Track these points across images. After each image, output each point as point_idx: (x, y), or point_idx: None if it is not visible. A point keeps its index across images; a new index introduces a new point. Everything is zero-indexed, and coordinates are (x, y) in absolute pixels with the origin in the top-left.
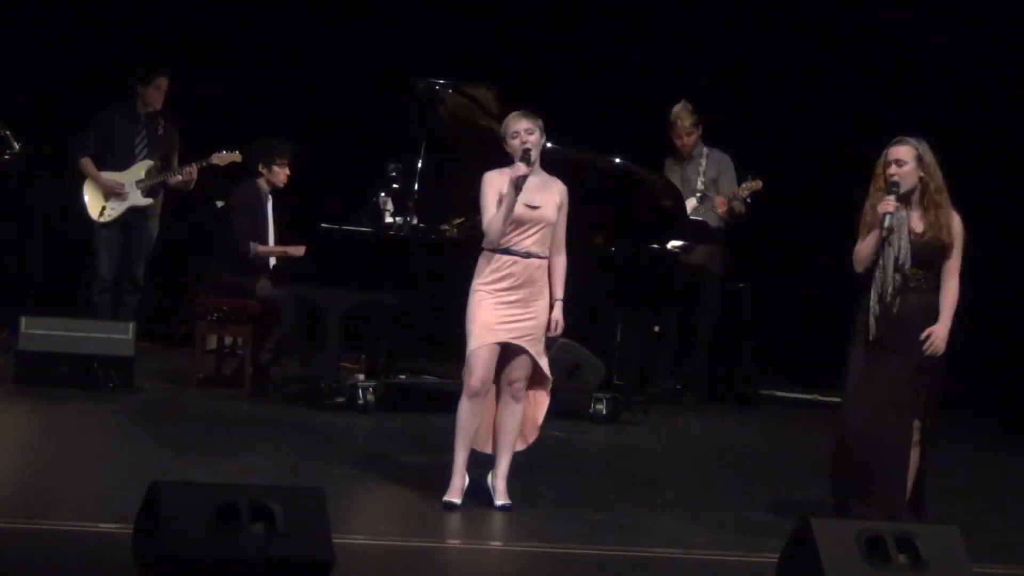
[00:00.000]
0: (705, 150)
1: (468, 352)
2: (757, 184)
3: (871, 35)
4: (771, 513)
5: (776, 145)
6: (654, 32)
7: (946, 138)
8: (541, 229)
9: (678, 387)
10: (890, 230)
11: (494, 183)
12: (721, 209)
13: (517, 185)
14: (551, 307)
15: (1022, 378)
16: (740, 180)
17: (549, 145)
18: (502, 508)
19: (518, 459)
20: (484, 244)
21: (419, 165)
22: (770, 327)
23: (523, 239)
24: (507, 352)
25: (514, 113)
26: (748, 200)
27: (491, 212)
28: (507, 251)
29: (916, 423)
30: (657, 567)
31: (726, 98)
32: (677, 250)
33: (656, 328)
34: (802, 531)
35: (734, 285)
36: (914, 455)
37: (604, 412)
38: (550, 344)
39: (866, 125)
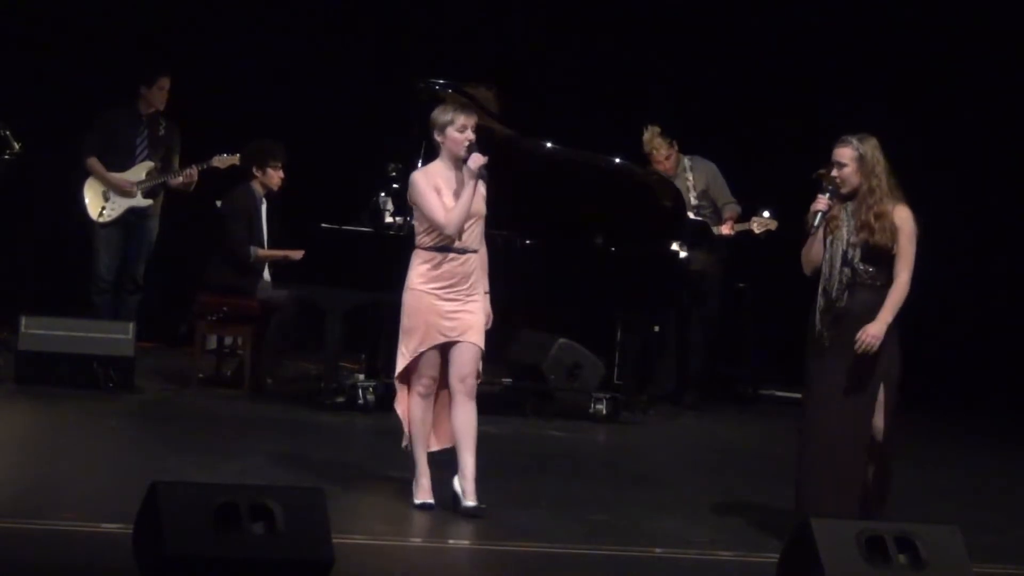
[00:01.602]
0: (687, 162)
1: (411, 353)
2: (772, 224)
3: (867, 37)
4: (771, 513)
5: (774, 143)
6: (654, 32)
7: (945, 139)
8: (476, 223)
9: (678, 387)
10: (818, 227)
11: (428, 181)
12: (727, 233)
13: (481, 175)
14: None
15: (1020, 377)
16: (732, 188)
17: (549, 145)
18: (475, 510)
19: (519, 459)
20: (432, 242)
21: (419, 165)
22: (770, 327)
23: (463, 235)
24: (452, 350)
25: (452, 104)
26: (762, 238)
27: (438, 209)
28: (450, 249)
29: (878, 422)
30: (657, 567)
31: (725, 95)
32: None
33: (656, 328)
34: (802, 531)
35: (734, 285)
36: (876, 456)
37: (604, 412)
38: (550, 345)
39: (864, 123)
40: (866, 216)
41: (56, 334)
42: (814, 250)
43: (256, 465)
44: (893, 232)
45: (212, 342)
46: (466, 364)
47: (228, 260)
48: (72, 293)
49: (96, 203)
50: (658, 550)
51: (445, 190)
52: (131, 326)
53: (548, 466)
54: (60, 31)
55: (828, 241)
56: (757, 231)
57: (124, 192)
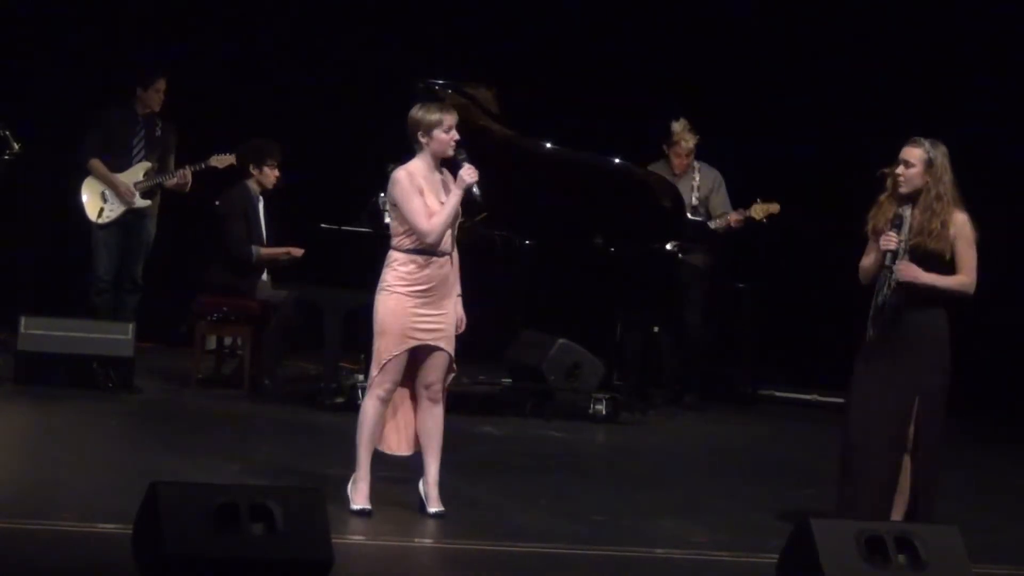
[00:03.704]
0: (696, 165)
1: (382, 355)
2: (774, 208)
3: (866, 38)
4: (770, 513)
5: (773, 144)
6: (652, 32)
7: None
8: (454, 226)
9: (677, 387)
10: (890, 269)
11: (413, 181)
12: (735, 224)
13: (471, 190)
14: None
15: (1020, 376)
16: (731, 194)
17: (548, 145)
18: (436, 515)
19: (519, 459)
20: (414, 244)
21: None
22: (769, 327)
23: (444, 239)
24: (421, 354)
25: (436, 105)
26: (764, 222)
27: (422, 215)
28: (431, 252)
29: (910, 430)
30: (656, 567)
31: (724, 92)
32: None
33: (656, 328)
34: (801, 531)
35: (734, 285)
36: (907, 463)
37: (604, 412)
38: (550, 345)
39: (862, 123)
40: (931, 223)
41: (55, 334)
42: (872, 268)
43: (256, 465)
44: (950, 240)
45: (212, 342)
46: (434, 371)
47: (227, 260)
48: (71, 294)
49: (94, 204)
50: (658, 550)
51: (428, 192)
52: (131, 326)
53: (547, 466)
54: (58, 32)
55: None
56: (759, 217)
57: (125, 196)
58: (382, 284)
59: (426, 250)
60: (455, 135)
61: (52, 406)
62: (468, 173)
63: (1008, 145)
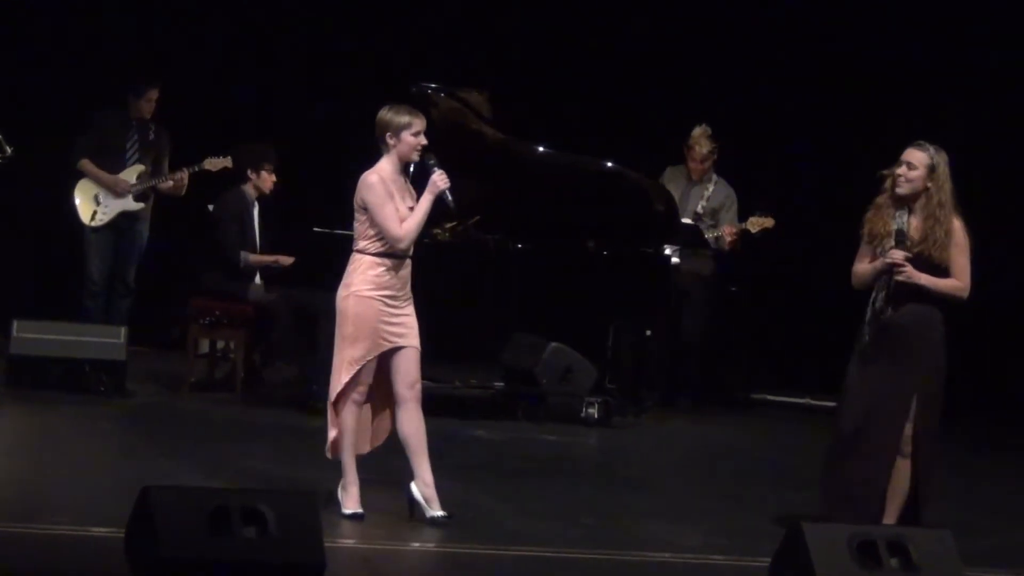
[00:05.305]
0: (715, 177)
1: (355, 361)
2: (769, 222)
3: (867, 41)
4: (763, 517)
5: (770, 148)
6: (651, 33)
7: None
8: None
9: (670, 391)
10: (894, 277)
11: (385, 186)
12: (729, 239)
13: (442, 196)
14: None
15: (1015, 379)
16: (743, 210)
17: (541, 149)
18: (444, 519)
19: (511, 463)
20: (384, 247)
21: (411, 169)
22: (763, 331)
23: None
24: (396, 355)
25: (405, 107)
26: (757, 236)
27: (394, 221)
28: (400, 255)
29: (907, 431)
30: (649, 571)
31: (722, 98)
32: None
33: (648, 332)
34: (794, 535)
35: (727, 289)
36: (903, 465)
37: (596, 416)
38: (542, 348)
39: (860, 128)
40: (935, 230)
41: (48, 338)
42: (867, 274)
43: (248, 469)
44: (950, 247)
45: (204, 346)
46: (413, 370)
47: (221, 265)
48: (64, 297)
49: (87, 207)
50: (650, 554)
51: (396, 196)
52: (123, 330)
53: (540, 470)
54: (51, 36)
55: (878, 251)
56: (754, 231)
57: (119, 192)
58: (349, 289)
59: (395, 253)
60: (423, 140)
61: (44, 410)
62: (440, 179)
63: (1007, 146)
